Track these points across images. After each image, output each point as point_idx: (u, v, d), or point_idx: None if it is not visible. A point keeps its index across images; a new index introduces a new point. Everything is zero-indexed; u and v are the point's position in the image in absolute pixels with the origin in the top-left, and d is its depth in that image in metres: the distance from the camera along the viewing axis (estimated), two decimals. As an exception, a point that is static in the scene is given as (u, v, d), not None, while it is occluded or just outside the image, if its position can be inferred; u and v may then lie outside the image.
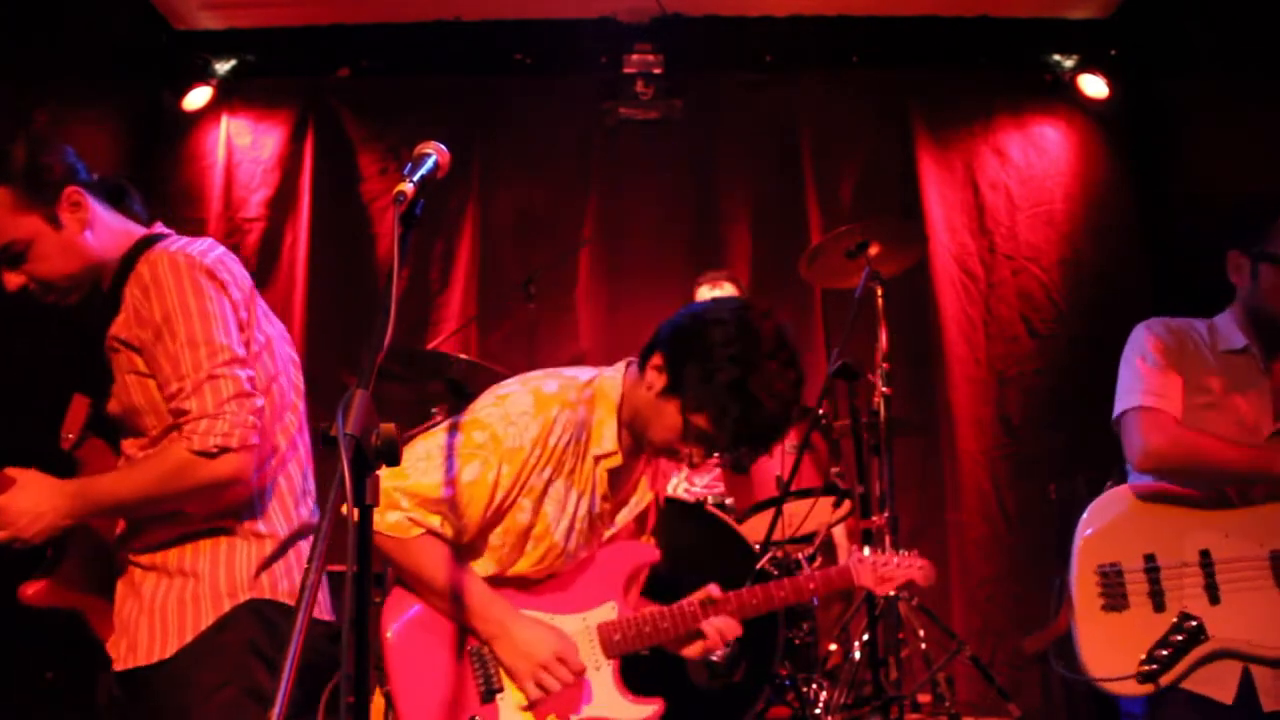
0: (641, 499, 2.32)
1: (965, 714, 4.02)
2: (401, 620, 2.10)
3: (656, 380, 2.12)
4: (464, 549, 2.13)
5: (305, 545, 2.17)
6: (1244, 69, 4.60)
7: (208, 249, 2.10)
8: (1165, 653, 2.25)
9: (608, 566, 2.25)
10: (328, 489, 1.39)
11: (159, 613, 2.03)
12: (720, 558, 3.54)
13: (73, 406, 2.23)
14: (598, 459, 2.15)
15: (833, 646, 4.06)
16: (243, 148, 5.61)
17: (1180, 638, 2.25)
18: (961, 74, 5.60)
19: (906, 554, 2.58)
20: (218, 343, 1.99)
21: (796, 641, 3.77)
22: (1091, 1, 5.44)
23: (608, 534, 2.28)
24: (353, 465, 1.40)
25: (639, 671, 2.32)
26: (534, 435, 2.06)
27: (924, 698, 4.08)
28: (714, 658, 3.29)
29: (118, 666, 2.06)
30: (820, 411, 3.87)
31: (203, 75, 5.54)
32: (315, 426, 2.61)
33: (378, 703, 2.12)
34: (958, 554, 5.18)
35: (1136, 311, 5.22)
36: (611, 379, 2.21)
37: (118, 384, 2.09)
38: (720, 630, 2.26)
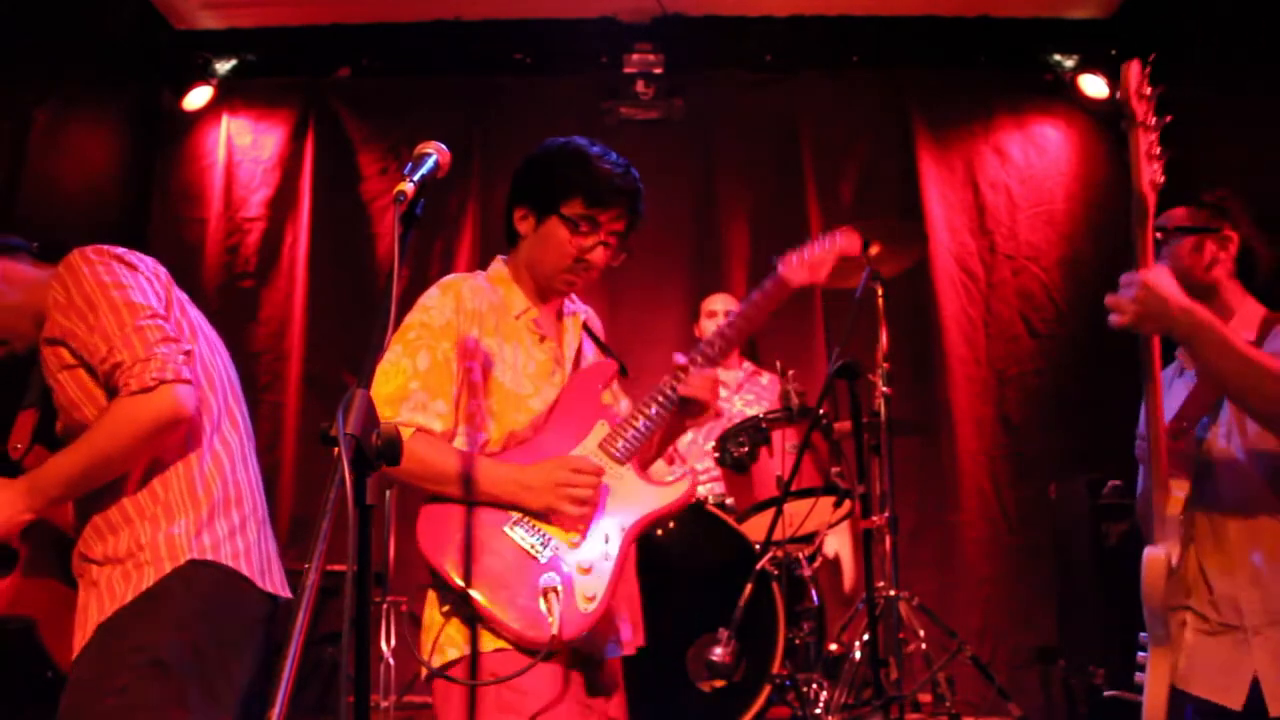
0: (575, 337, 2.41)
1: (965, 714, 4.02)
2: (439, 539, 2.13)
3: (526, 225, 2.33)
4: (450, 436, 2.21)
5: (255, 519, 2.21)
6: (1244, 69, 4.60)
7: (116, 246, 2.21)
8: None
9: (580, 395, 2.32)
10: (328, 489, 1.39)
11: (106, 590, 2.07)
12: (720, 558, 3.54)
13: (19, 421, 2.34)
14: (517, 317, 2.32)
15: (833, 646, 4.06)
16: (243, 147, 5.62)
17: None
18: (961, 74, 5.60)
19: (825, 236, 2.55)
20: (137, 303, 2.10)
21: (797, 641, 3.77)
22: (1091, 1, 5.45)
23: (564, 375, 2.35)
24: (353, 465, 1.40)
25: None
26: (452, 307, 2.25)
27: (924, 698, 4.09)
28: (714, 657, 3.30)
29: (73, 655, 2.07)
30: (821, 411, 3.87)
31: (203, 75, 5.55)
32: (316, 426, 2.61)
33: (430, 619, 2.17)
34: (958, 554, 5.19)
35: (1136, 311, 5.30)
36: (495, 267, 2.41)
37: (55, 391, 2.16)
38: (699, 384, 2.29)
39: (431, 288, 2.33)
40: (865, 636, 3.68)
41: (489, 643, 2.09)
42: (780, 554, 3.74)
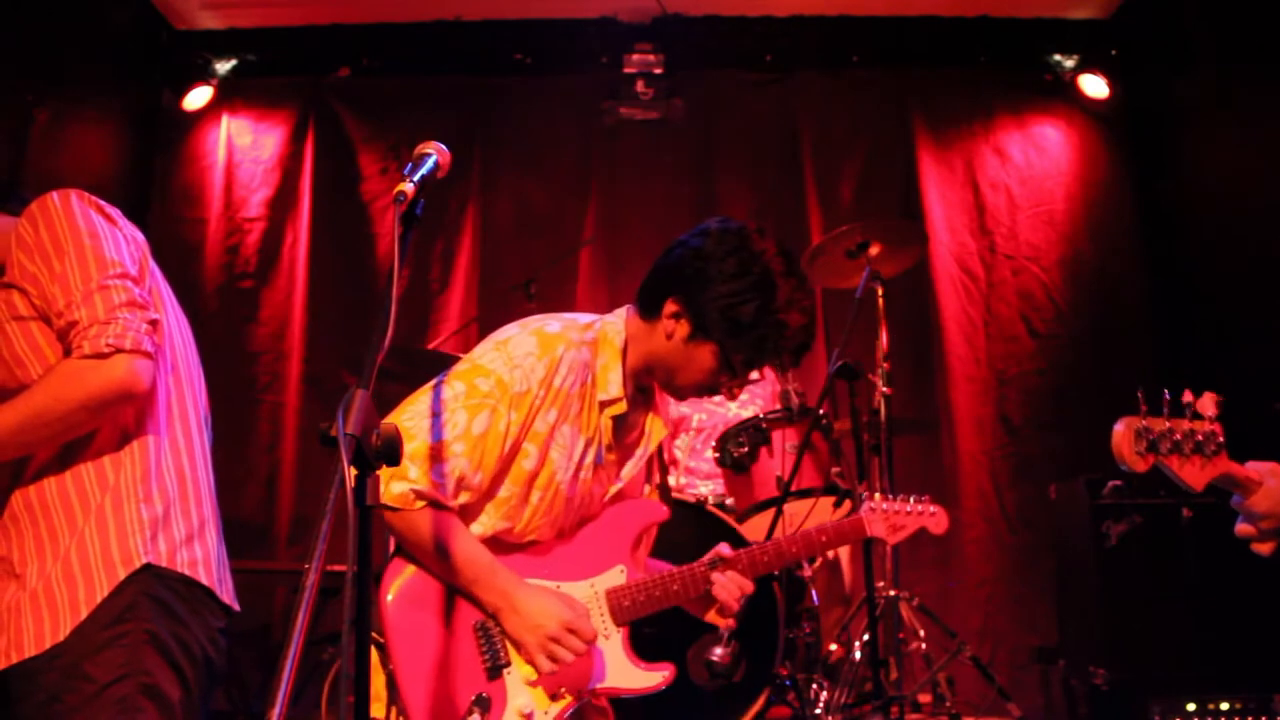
0: (646, 449, 2.25)
1: (965, 714, 4.03)
2: (401, 595, 2.02)
3: (677, 328, 2.10)
4: (470, 509, 2.07)
5: (213, 524, 2.02)
6: (1244, 69, 4.60)
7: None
8: None
9: (615, 528, 2.17)
10: (328, 489, 1.38)
11: (44, 594, 1.84)
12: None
13: None
14: (603, 405, 2.11)
15: (833, 646, 4.06)
16: (243, 147, 5.62)
17: None
18: (961, 74, 5.60)
19: (919, 501, 2.53)
20: (108, 257, 1.90)
21: (797, 641, 3.77)
22: (1091, 1, 5.45)
23: (613, 489, 2.21)
24: (353, 465, 1.40)
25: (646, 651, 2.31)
26: (540, 377, 2.02)
27: (924, 698, 4.09)
28: (714, 657, 3.29)
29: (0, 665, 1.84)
30: (821, 411, 3.87)
31: (203, 75, 5.55)
32: (316, 426, 2.58)
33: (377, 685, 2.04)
34: (958, 554, 5.18)
35: (1136, 311, 5.31)
36: (614, 324, 2.17)
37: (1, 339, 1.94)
38: (731, 589, 2.20)
39: (529, 334, 2.08)
40: (865, 636, 3.68)
41: None
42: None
